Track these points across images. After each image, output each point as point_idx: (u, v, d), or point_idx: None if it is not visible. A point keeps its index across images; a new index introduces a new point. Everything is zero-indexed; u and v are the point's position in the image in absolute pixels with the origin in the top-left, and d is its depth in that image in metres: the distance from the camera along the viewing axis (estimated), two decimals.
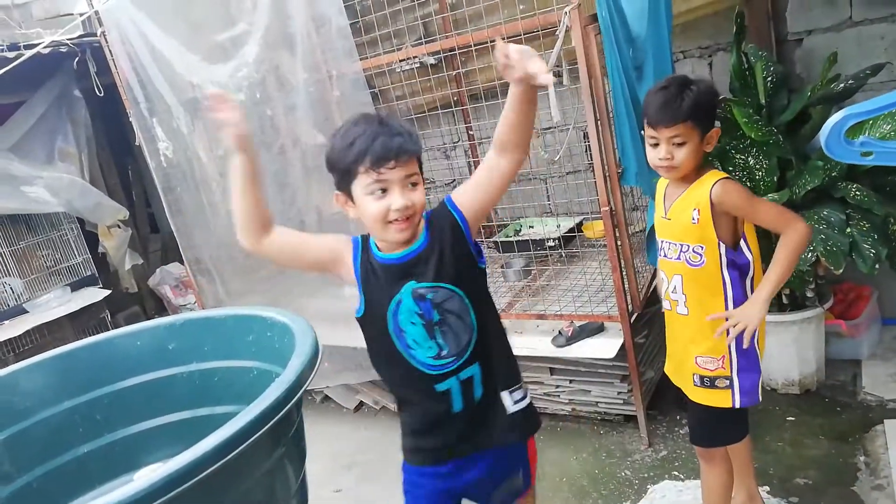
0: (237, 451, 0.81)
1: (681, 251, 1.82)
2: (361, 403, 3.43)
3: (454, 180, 3.91)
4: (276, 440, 0.89)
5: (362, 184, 1.49)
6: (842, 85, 2.51)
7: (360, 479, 2.90)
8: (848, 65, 2.63)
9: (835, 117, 1.39)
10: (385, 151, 1.46)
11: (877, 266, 2.27)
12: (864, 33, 2.78)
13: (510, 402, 1.72)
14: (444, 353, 1.64)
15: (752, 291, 1.80)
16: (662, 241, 1.90)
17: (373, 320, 1.64)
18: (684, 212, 1.79)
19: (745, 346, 1.80)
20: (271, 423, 0.82)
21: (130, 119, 3.40)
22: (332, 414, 3.44)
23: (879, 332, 2.98)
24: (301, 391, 0.86)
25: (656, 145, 1.76)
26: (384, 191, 1.49)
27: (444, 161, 3.96)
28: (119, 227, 4.49)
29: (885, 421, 2.46)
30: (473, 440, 1.72)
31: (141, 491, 0.85)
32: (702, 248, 1.77)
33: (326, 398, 3.52)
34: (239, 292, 3.45)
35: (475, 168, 3.74)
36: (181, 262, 3.83)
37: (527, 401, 1.75)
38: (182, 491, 0.83)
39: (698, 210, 1.74)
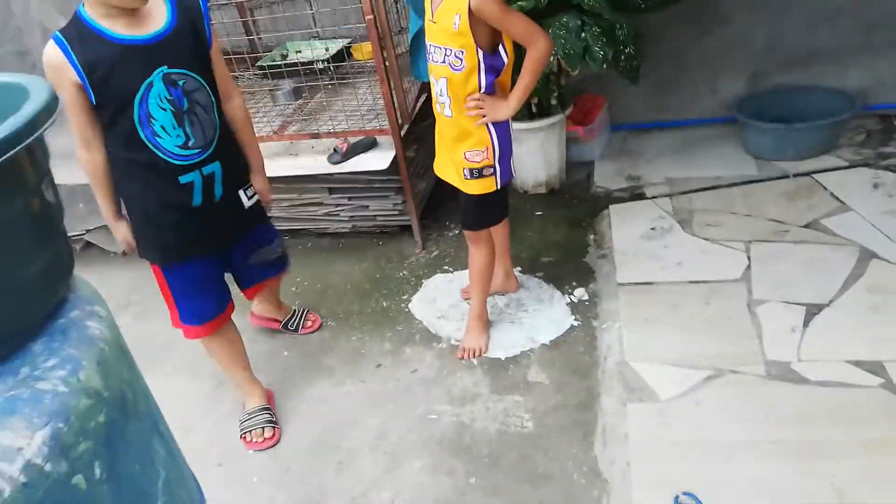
0: None
1: (445, 55, 1.91)
2: None
3: None
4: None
5: None
6: None
7: (138, 317, 2.83)
8: None
9: None
10: None
11: (604, 66, 2.58)
12: None
13: (245, 199, 1.92)
14: (190, 143, 1.71)
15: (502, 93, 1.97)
16: (430, 45, 1.97)
17: (115, 107, 1.62)
18: (447, 16, 1.84)
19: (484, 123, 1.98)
20: None
21: None
22: (97, 259, 3.20)
23: (609, 137, 3.47)
24: (36, 134, 0.74)
25: None
26: None
27: None
28: None
29: (610, 206, 2.94)
30: (214, 237, 1.89)
31: None
32: (462, 52, 1.86)
33: (88, 244, 3.24)
34: None
35: None
36: None
37: (256, 196, 1.98)
38: None
39: (459, 16, 1.81)
